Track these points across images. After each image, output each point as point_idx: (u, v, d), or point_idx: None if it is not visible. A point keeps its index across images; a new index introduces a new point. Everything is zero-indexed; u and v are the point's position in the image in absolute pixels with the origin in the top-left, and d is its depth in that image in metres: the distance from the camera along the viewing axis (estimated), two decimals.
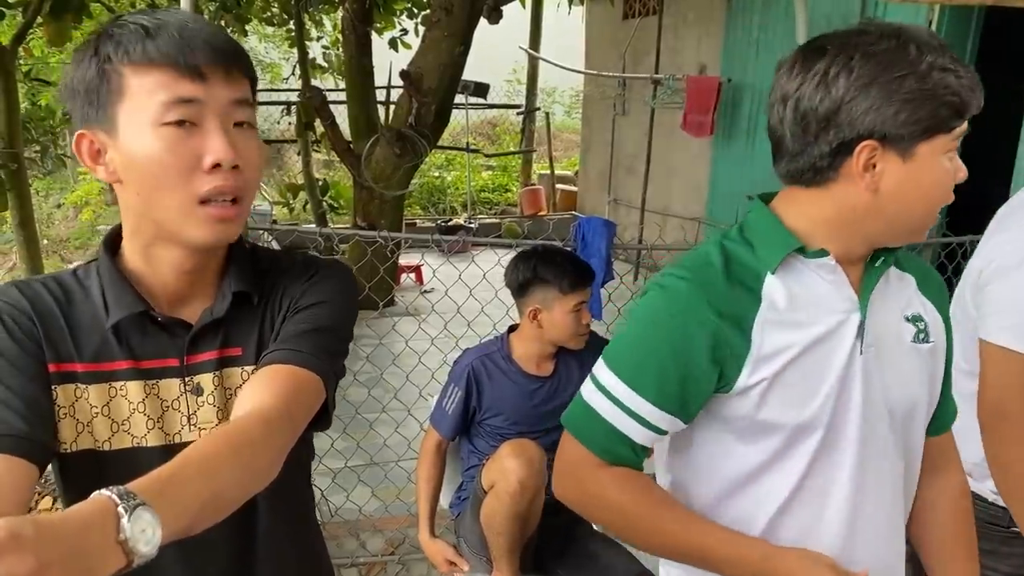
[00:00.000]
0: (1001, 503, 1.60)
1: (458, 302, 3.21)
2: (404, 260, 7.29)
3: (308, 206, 9.09)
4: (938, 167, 1.04)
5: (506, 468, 2.07)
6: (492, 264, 3.03)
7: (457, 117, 9.45)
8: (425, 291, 7.22)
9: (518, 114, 13.11)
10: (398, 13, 7.68)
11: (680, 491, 1.22)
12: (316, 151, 9.37)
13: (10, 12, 4.83)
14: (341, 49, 7.54)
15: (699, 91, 7.37)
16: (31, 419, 0.94)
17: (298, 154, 9.84)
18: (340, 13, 6.51)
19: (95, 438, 1.04)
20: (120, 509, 0.64)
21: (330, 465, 3.25)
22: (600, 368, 1.14)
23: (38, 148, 7.66)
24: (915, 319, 1.20)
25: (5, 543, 0.53)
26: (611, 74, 9.00)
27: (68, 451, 1.04)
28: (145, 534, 0.64)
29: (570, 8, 9.63)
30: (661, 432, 1.12)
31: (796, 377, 1.08)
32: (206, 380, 1.08)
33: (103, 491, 0.65)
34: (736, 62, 7.32)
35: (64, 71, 1.01)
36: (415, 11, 7.47)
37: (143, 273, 1.06)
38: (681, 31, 8.06)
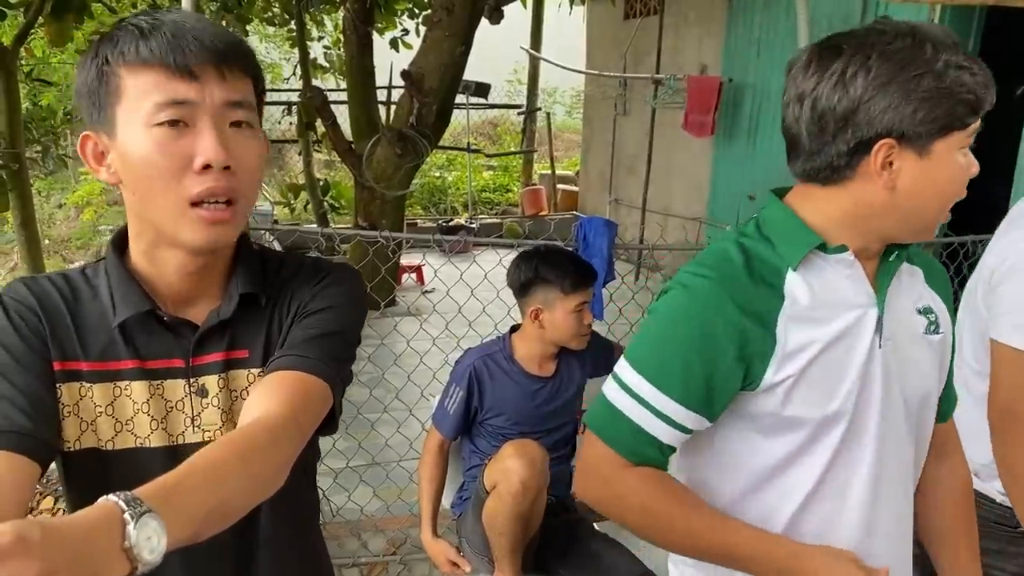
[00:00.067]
0: (1008, 503, 1.60)
1: (459, 302, 3.21)
2: (405, 260, 7.29)
3: (309, 206, 9.09)
4: (953, 163, 1.05)
5: (508, 468, 2.07)
6: (494, 264, 3.03)
7: (458, 117, 9.44)
8: (426, 291, 7.23)
9: (519, 114, 13.10)
10: (399, 13, 7.68)
11: (701, 489, 1.21)
12: (317, 151, 9.36)
13: (11, 12, 4.83)
14: (342, 49, 7.54)
15: (700, 91, 7.37)
16: (35, 417, 0.93)
17: (299, 154, 9.84)
18: (341, 13, 6.51)
19: (99, 437, 1.04)
20: (126, 516, 0.64)
21: (332, 465, 3.25)
22: (623, 368, 1.14)
23: (39, 148, 7.66)
24: (926, 311, 1.22)
25: (12, 547, 0.53)
26: (612, 74, 9.00)
27: (71, 450, 1.04)
28: (150, 542, 0.64)
29: (571, 8, 9.62)
30: (687, 431, 1.12)
31: (820, 373, 1.09)
32: (211, 382, 1.07)
33: (110, 497, 0.65)
34: (737, 62, 7.32)
35: (75, 73, 1.01)
36: (416, 11, 7.46)
37: (149, 274, 1.05)
38: (682, 31, 8.05)
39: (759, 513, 1.16)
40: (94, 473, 1.05)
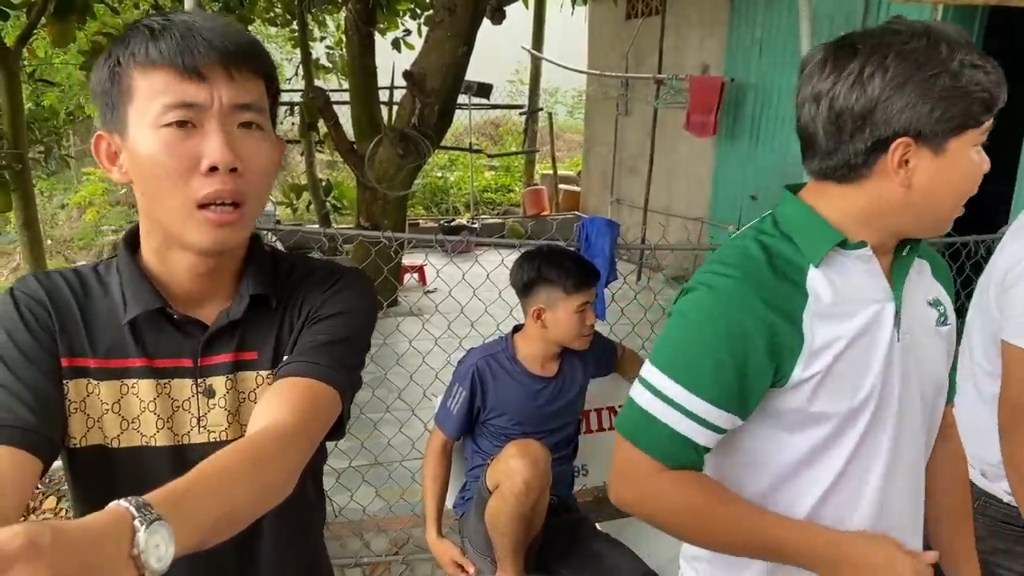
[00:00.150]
0: (1015, 503, 1.61)
1: (462, 302, 3.21)
2: (407, 260, 7.29)
3: (311, 206, 9.09)
4: (968, 161, 1.07)
5: (511, 468, 2.07)
6: (496, 264, 3.03)
7: (460, 117, 9.44)
8: (429, 291, 7.23)
9: (521, 114, 13.10)
10: (401, 14, 7.68)
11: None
12: (319, 151, 9.37)
13: (14, 13, 4.84)
14: (344, 49, 7.55)
15: (702, 91, 7.37)
16: (40, 413, 0.94)
17: (301, 155, 9.85)
18: (343, 13, 6.52)
19: (105, 434, 1.04)
20: (136, 523, 0.63)
21: (334, 465, 3.25)
22: (651, 372, 1.13)
23: (42, 149, 7.67)
24: (936, 303, 1.24)
25: (22, 551, 0.52)
26: (614, 74, 8.99)
27: (77, 446, 1.04)
28: (159, 549, 0.64)
29: (573, 8, 9.62)
30: (722, 431, 1.12)
31: (845, 368, 1.10)
32: (219, 383, 1.07)
33: (120, 502, 0.64)
34: (739, 62, 7.31)
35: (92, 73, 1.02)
36: (418, 11, 7.47)
37: (160, 273, 1.05)
38: (684, 31, 8.05)
39: (782, 507, 1.17)
40: (99, 470, 1.05)
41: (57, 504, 3.70)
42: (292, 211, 10.26)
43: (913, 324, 1.18)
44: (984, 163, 1.10)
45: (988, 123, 1.06)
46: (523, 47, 11.42)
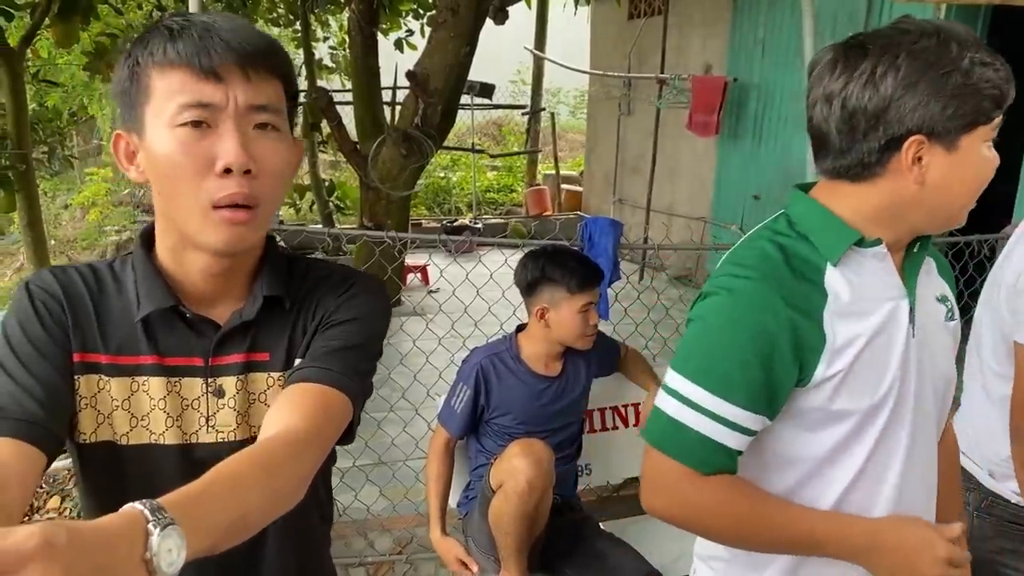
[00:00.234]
0: (1023, 503, 1.61)
1: (465, 302, 3.21)
2: (410, 260, 7.30)
3: (315, 207, 9.10)
4: (979, 157, 1.09)
5: (514, 468, 2.07)
6: (499, 264, 3.03)
7: (462, 118, 9.45)
8: (432, 291, 7.24)
9: (523, 114, 13.11)
10: (404, 14, 7.68)
11: None
12: (322, 152, 9.38)
13: (18, 14, 4.85)
14: (347, 50, 7.55)
15: (705, 91, 7.36)
16: (48, 407, 0.94)
17: (304, 155, 9.85)
18: (346, 14, 6.52)
19: (114, 431, 1.05)
20: (150, 526, 0.63)
21: (338, 464, 3.20)
22: (677, 380, 1.13)
23: (45, 149, 7.68)
24: (943, 299, 1.27)
25: (38, 551, 0.52)
26: (616, 74, 8.99)
27: (87, 442, 1.04)
28: (171, 554, 0.64)
29: (576, 8, 9.62)
30: (753, 433, 1.12)
31: (865, 366, 1.11)
32: (229, 383, 1.07)
33: (135, 504, 0.65)
34: (742, 62, 7.31)
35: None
36: (421, 12, 7.47)
37: (174, 271, 1.05)
38: (686, 31, 8.05)
39: (805, 503, 1.18)
40: (108, 466, 1.06)
41: (61, 504, 3.71)
42: (295, 211, 10.28)
43: (926, 320, 1.19)
44: (995, 159, 1.11)
45: (998, 119, 1.08)
46: (526, 47, 11.42)
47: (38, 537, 0.53)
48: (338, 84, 10.10)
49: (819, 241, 1.14)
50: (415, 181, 4.71)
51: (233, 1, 6.76)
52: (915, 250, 1.19)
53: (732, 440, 1.11)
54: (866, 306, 1.12)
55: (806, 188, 1.23)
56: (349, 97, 6.57)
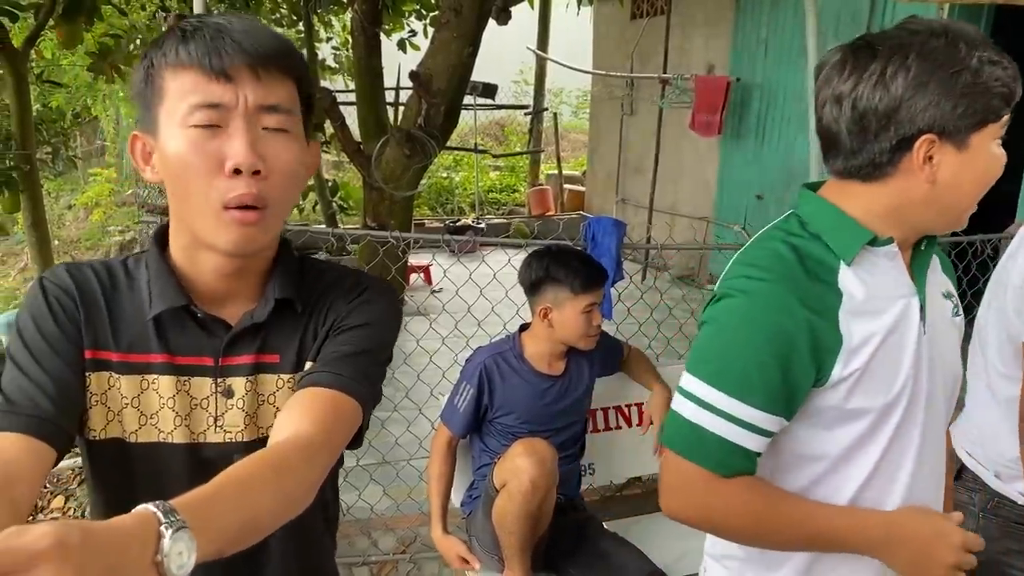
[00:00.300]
0: None
1: (468, 302, 3.22)
2: (413, 260, 7.31)
3: (318, 207, 9.10)
4: (989, 154, 1.10)
5: (518, 467, 2.08)
6: (502, 264, 3.04)
7: (465, 118, 9.46)
8: (435, 291, 7.25)
9: (526, 114, 13.11)
10: (407, 14, 7.68)
11: None
12: (326, 152, 9.37)
13: (22, 14, 4.86)
14: (350, 50, 7.55)
15: (708, 91, 7.37)
16: (59, 403, 0.95)
17: None
18: (349, 14, 6.52)
19: (124, 428, 1.05)
20: (162, 528, 0.64)
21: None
22: (693, 383, 1.14)
23: (49, 149, 7.70)
24: (949, 295, 1.28)
25: (50, 551, 0.53)
26: (619, 74, 9.00)
27: (97, 438, 1.05)
28: (181, 557, 0.64)
29: (579, 8, 9.62)
30: (771, 435, 1.13)
31: (880, 364, 1.12)
32: (238, 383, 1.07)
33: (148, 506, 0.65)
34: (745, 62, 7.32)
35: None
36: (424, 12, 7.47)
37: (187, 271, 1.06)
38: (689, 31, 8.05)
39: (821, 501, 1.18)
40: (117, 463, 1.06)
41: (65, 503, 3.72)
42: (299, 211, 10.28)
43: (935, 317, 1.20)
44: (1003, 156, 1.12)
45: (1006, 117, 1.09)
46: (528, 47, 11.42)
47: (51, 537, 0.53)
48: (341, 85, 10.11)
49: (832, 241, 1.14)
50: (418, 181, 4.70)
51: (237, 1, 6.76)
52: (923, 248, 1.20)
53: (751, 442, 1.11)
54: (879, 305, 1.13)
55: (814, 187, 1.23)
56: (352, 98, 6.57)
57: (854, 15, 5.94)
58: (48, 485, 3.79)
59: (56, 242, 9.14)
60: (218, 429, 1.08)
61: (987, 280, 1.72)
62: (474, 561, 2.33)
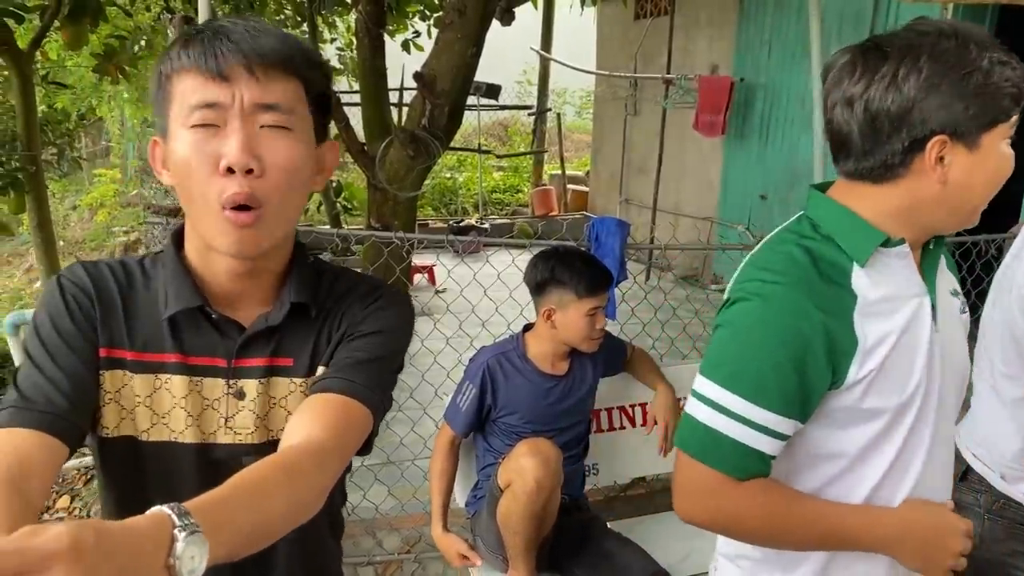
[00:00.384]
0: None
1: (472, 302, 3.22)
2: (417, 260, 7.32)
3: (322, 207, 9.12)
4: (999, 154, 1.10)
5: (523, 467, 2.08)
6: (506, 264, 3.04)
7: (469, 118, 9.46)
8: (439, 291, 7.26)
9: (529, 115, 13.11)
10: (411, 15, 7.69)
11: None
12: None
13: (27, 16, 4.88)
14: (355, 51, 7.56)
15: (711, 91, 7.37)
16: (73, 400, 0.96)
17: None
18: (353, 15, 6.53)
19: (136, 427, 1.06)
20: (176, 531, 0.64)
21: None
22: (707, 386, 1.14)
23: (55, 151, 7.72)
24: (956, 293, 1.28)
25: (64, 553, 0.53)
26: (623, 75, 9.00)
27: (109, 436, 1.06)
28: (192, 561, 0.64)
29: (583, 9, 9.62)
30: (786, 438, 1.13)
31: (895, 364, 1.13)
32: (250, 386, 1.08)
33: (163, 508, 0.65)
34: (748, 62, 7.31)
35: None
36: (428, 13, 7.47)
37: (202, 271, 1.07)
38: (693, 31, 8.05)
39: (834, 501, 1.19)
40: (128, 461, 1.07)
41: (71, 503, 3.73)
42: (303, 212, 10.29)
43: (945, 316, 1.21)
44: (1012, 155, 1.13)
45: (1016, 116, 1.09)
46: (532, 48, 11.42)
47: (66, 538, 0.53)
48: (345, 85, 10.12)
49: (846, 243, 1.14)
50: (422, 182, 4.70)
51: (240, 3, 6.77)
52: (931, 247, 1.21)
53: (766, 445, 1.11)
54: (893, 305, 1.14)
55: (822, 188, 1.23)
56: (357, 98, 6.58)
57: (858, 15, 5.93)
58: (54, 484, 3.80)
59: (61, 243, 9.16)
60: (228, 430, 1.08)
61: (991, 281, 1.72)
62: (474, 558, 2.33)
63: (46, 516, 3.55)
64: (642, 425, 2.71)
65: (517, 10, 5.96)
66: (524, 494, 2.07)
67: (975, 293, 3.33)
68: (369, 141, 5.10)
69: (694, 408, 1.15)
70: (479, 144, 11.46)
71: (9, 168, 5.08)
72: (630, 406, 2.75)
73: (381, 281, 1.20)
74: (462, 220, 10.54)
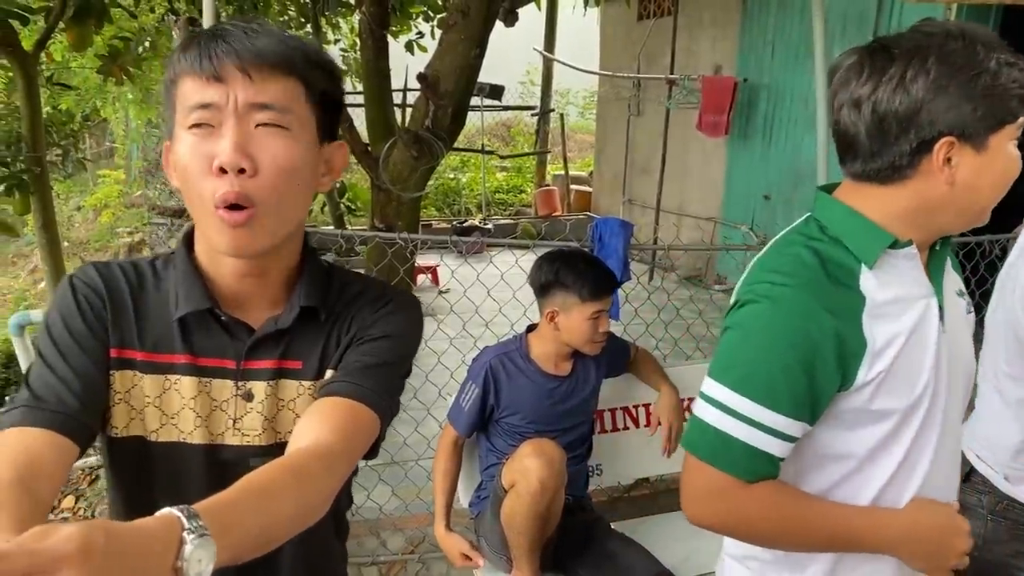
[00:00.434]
0: None
1: (476, 302, 3.23)
2: (420, 261, 7.32)
3: (326, 208, 9.13)
4: (1006, 155, 1.10)
5: (526, 467, 2.08)
6: (510, 265, 3.04)
7: (472, 119, 9.44)
8: (443, 291, 7.26)
9: (532, 115, 13.09)
10: (414, 16, 7.69)
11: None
12: None
13: (32, 18, 4.89)
14: (358, 52, 7.56)
15: (714, 91, 7.37)
16: (84, 400, 0.96)
17: None
18: (357, 16, 6.54)
19: (146, 427, 1.07)
20: (185, 533, 0.64)
21: None
22: (716, 389, 1.14)
23: (59, 151, 7.73)
24: (961, 293, 1.28)
25: (74, 555, 0.53)
26: (626, 75, 9.00)
27: (118, 436, 1.06)
28: (200, 564, 0.64)
29: (585, 9, 9.62)
30: (795, 440, 1.13)
31: (903, 365, 1.13)
32: (259, 388, 1.08)
33: (172, 510, 0.66)
34: (752, 62, 7.31)
35: None
36: (431, 14, 7.48)
37: (211, 273, 1.07)
38: (696, 32, 8.05)
39: (841, 502, 1.19)
40: (136, 461, 1.07)
41: (75, 504, 3.74)
42: (307, 213, 10.29)
43: (952, 316, 1.21)
44: (1019, 156, 1.13)
45: (1023, 118, 1.09)
46: (535, 48, 11.42)
47: (76, 541, 0.53)
48: (349, 86, 10.13)
49: (853, 244, 1.15)
50: (426, 182, 4.70)
51: (244, 5, 6.78)
52: (938, 248, 1.21)
53: (775, 447, 1.11)
54: (901, 306, 1.14)
55: (828, 189, 1.23)
56: (360, 99, 6.59)
57: (861, 16, 5.92)
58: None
59: (65, 243, 9.18)
60: (236, 431, 1.08)
61: (995, 281, 1.72)
62: (477, 558, 2.33)
63: (51, 516, 3.56)
64: (646, 426, 2.72)
65: (520, 11, 5.96)
66: (528, 494, 2.07)
67: (979, 293, 3.33)
68: (373, 142, 5.10)
69: (703, 411, 1.15)
70: (482, 145, 11.46)
71: (14, 169, 5.09)
72: (634, 407, 2.75)
73: (392, 286, 1.20)
74: (465, 221, 10.53)
